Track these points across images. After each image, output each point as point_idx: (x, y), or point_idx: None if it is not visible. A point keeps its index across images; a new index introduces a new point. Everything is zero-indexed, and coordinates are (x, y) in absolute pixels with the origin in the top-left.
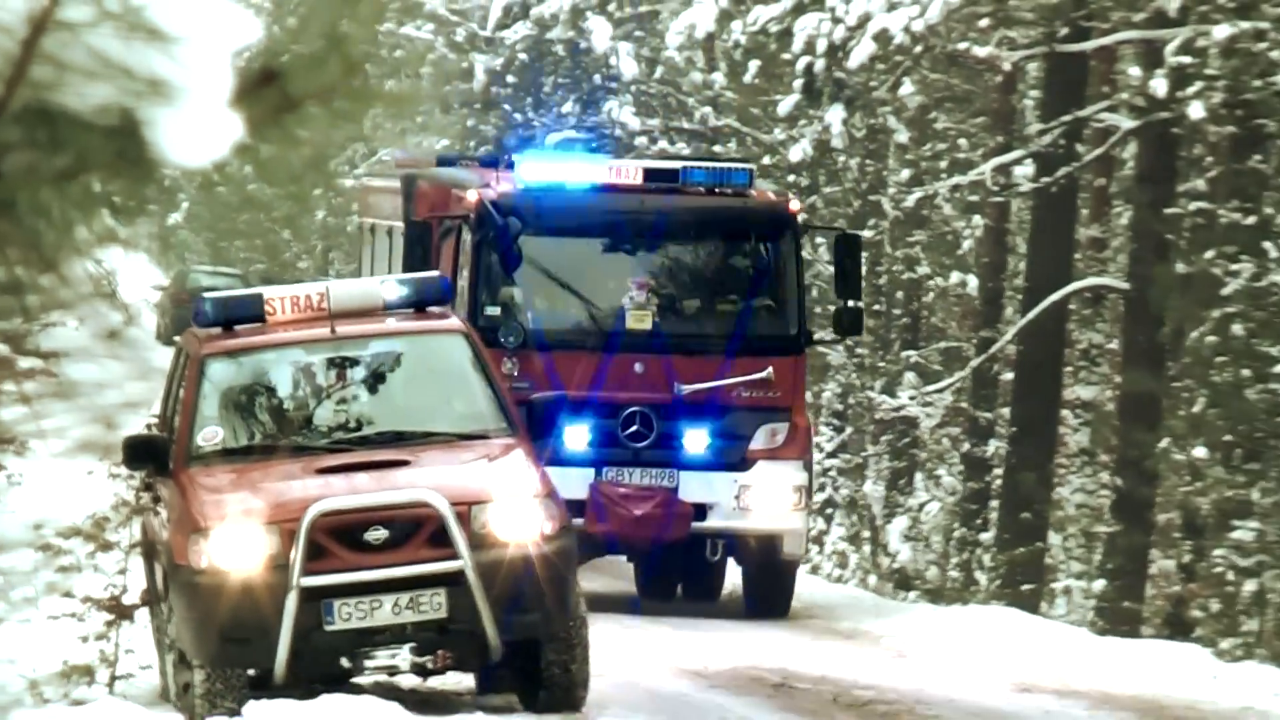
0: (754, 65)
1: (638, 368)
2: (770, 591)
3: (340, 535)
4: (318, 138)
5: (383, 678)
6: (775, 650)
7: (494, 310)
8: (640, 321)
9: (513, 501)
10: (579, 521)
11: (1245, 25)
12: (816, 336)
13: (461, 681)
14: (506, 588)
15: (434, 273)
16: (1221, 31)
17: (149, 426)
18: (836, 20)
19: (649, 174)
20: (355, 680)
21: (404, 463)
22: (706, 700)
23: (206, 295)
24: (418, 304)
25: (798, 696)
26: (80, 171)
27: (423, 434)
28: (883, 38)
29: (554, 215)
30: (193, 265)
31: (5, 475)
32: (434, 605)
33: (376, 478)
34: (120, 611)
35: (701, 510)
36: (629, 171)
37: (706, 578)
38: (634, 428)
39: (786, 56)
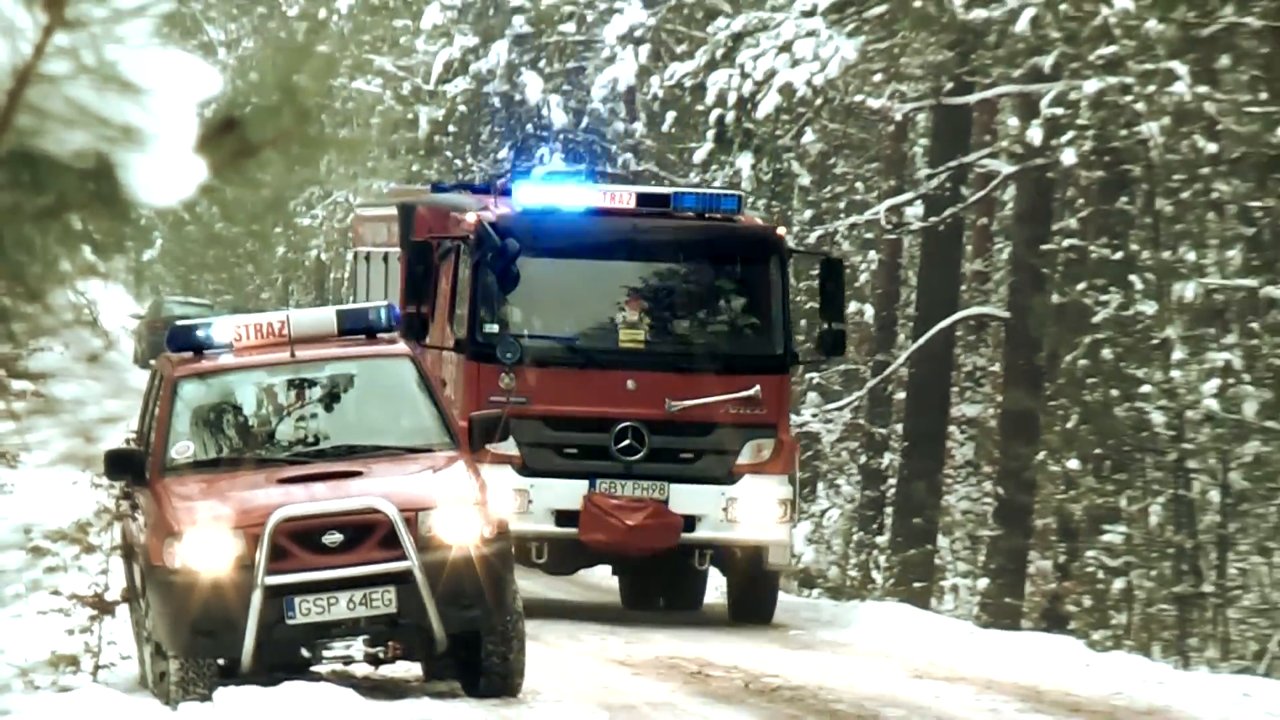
0: (671, 116)
1: (630, 384)
2: (754, 600)
3: (300, 538)
4: (276, 181)
5: (338, 666)
6: (694, 642)
7: (492, 328)
8: (633, 340)
9: (455, 508)
10: (573, 531)
11: (1112, 80)
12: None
13: (410, 670)
14: (450, 586)
15: (383, 302)
16: (1091, 86)
17: (127, 441)
18: (745, 75)
19: (641, 199)
20: (314, 669)
21: (357, 474)
22: (629, 685)
23: (180, 323)
24: (368, 330)
25: (712, 683)
26: (61, 211)
27: (373, 448)
28: (787, 91)
29: (550, 237)
30: (166, 296)
31: None
32: (385, 601)
33: (332, 487)
34: (103, 607)
35: (690, 521)
36: (622, 196)
37: (689, 587)
38: (626, 442)
39: (700, 108)
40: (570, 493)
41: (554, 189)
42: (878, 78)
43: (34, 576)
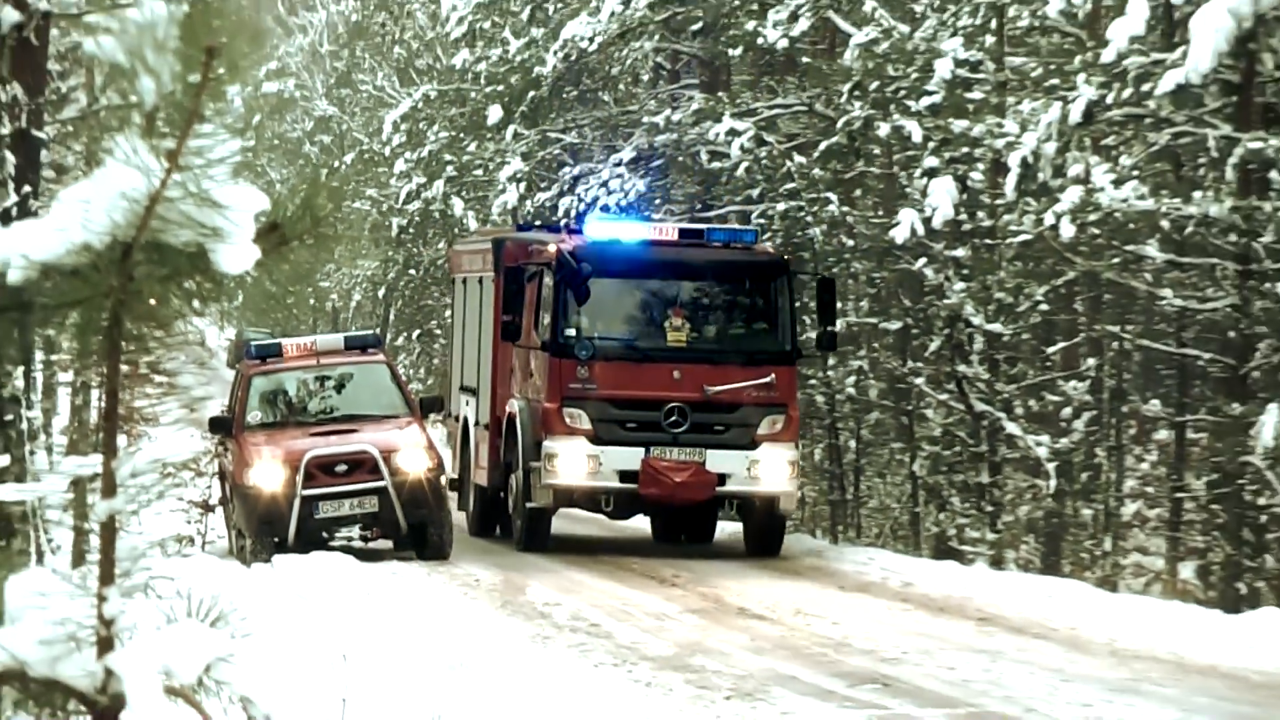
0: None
1: (676, 374)
2: (768, 538)
3: (321, 468)
4: (303, 261)
5: (344, 543)
6: (700, 569)
7: (570, 331)
8: (677, 340)
9: (411, 450)
10: (633, 486)
11: (793, 202)
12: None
13: (385, 544)
14: (409, 496)
15: (372, 331)
16: (781, 206)
17: (222, 411)
18: (580, 199)
19: (682, 233)
20: (330, 545)
21: (354, 431)
22: (527, 559)
23: (253, 342)
24: (362, 347)
25: (599, 562)
26: (177, 277)
27: (363, 416)
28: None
29: (613, 262)
30: (245, 326)
31: (143, 436)
32: (370, 505)
33: (340, 438)
34: (207, 508)
35: (722, 478)
36: (667, 231)
37: (704, 527)
38: (673, 418)
39: (554, 219)
40: (631, 457)
41: (614, 225)
42: (657, 201)
43: (165, 488)
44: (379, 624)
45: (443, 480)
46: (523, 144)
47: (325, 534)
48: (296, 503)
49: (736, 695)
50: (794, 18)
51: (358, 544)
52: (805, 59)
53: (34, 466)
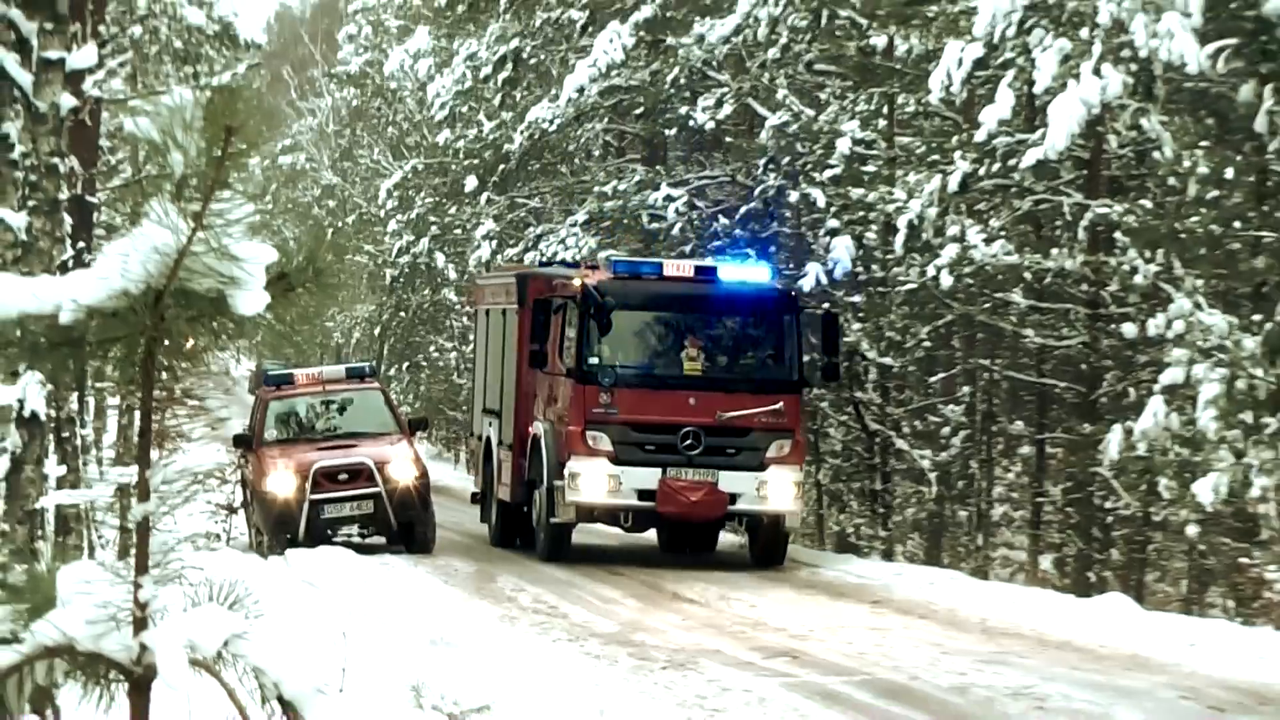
0: None
1: (691, 400)
2: (772, 551)
3: (326, 477)
4: (307, 305)
5: (344, 539)
6: (707, 579)
7: (594, 360)
8: (693, 369)
9: (400, 462)
10: (650, 504)
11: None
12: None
13: (379, 540)
14: (398, 500)
15: (369, 363)
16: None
17: (244, 429)
18: (543, 254)
19: (697, 269)
20: (334, 541)
21: (354, 446)
22: (503, 555)
23: (270, 372)
24: (359, 376)
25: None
26: (200, 317)
27: (360, 434)
28: (563, 263)
29: (633, 296)
30: (265, 358)
31: (177, 450)
32: (367, 507)
33: (342, 453)
34: (231, 510)
35: (733, 497)
36: (683, 268)
37: (709, 539)
38: (688, 441)
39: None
40: (649, 477)
41: (634, 262)
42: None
43: (195, 491)
44: (373, 606)
45: (427, 487)
46: (494, 208)
47: (330, 531)
48: (305, 506)
49: (671, 665)
50: (719, 104)
51: (356, 540)
52: (729, 138)
53: (86, 476)
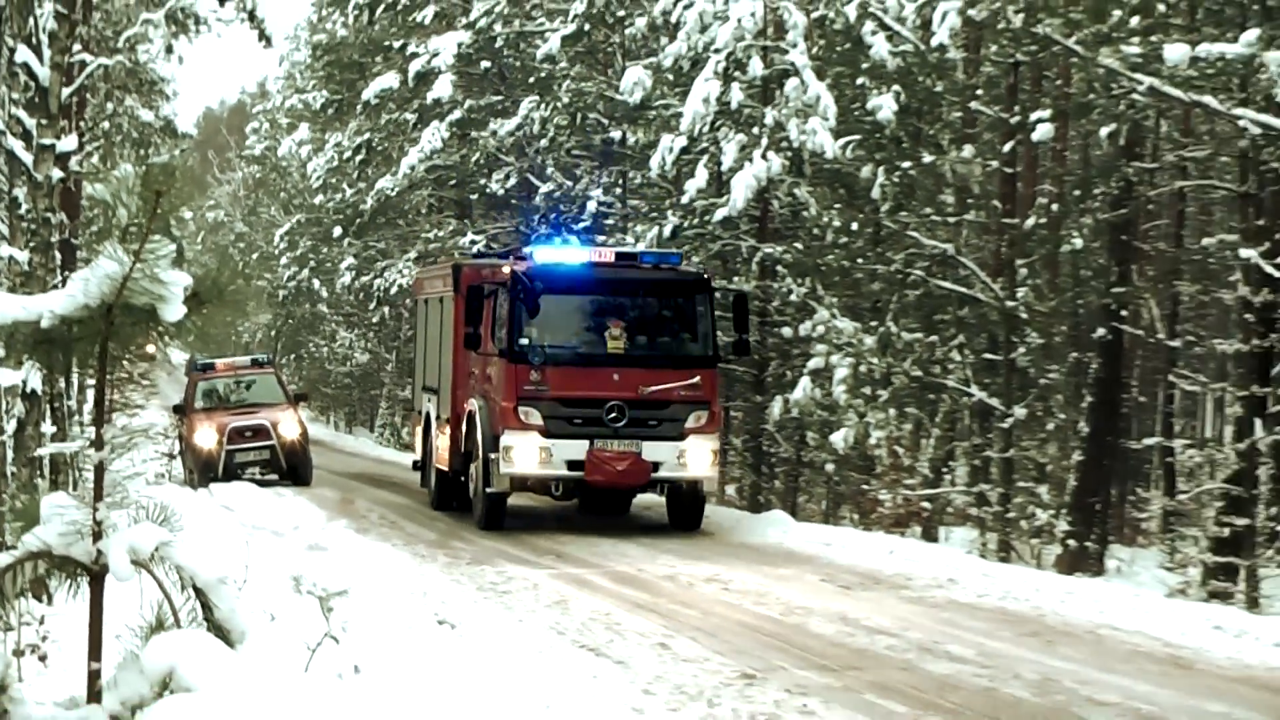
0: None
1: (615, 377)
2: (691, 515)
3: (237, 433)
4: (215, 317)
5: (250, 477)
6: (636, 540)
7: (524, 341)
8: (616, 348)
9: (288, 423)
10: (579, 474)
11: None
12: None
13: (273, 478)
14: (287, 450)
15: (266, 355)
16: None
17: (180, 400)
18: None
19: (618, 255)
20: (242, 478)
21: (256, 412)
22: (358, 486)
23: (198, 361)
24: (260, 364)
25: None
26: (139, 323)
27: (261, 404)
28: None
29: (560, 280)
30: (195, 352)
31: (133, 415)
32: (265, 455)
33: (248, 416)
34: (171, 456)
35: (655, 466)
36: (605, 254)
37: (623, 504)
38: (613, 414)
39: None
40: (577, 449)
41: (560, 250)
42: None
43: (137, 443)
44: (269, 523)
45: (307, 441)
46: (353, 249)
47: (239, 472)
48: (222, 454)
49: (473, 562)
50: (507, 177)
51: (258, 477)
52: (513, 200)
53: (70, 434)
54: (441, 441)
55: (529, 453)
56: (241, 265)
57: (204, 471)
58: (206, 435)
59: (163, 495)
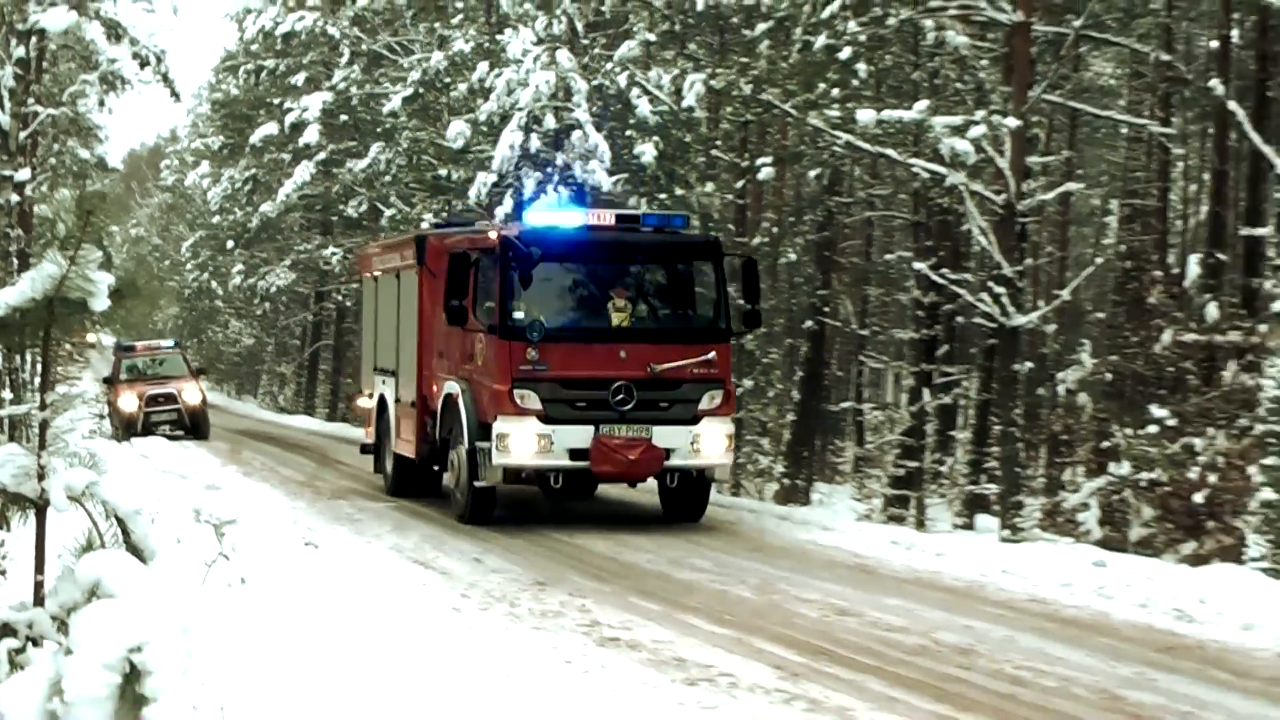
0: None
1: (622, 354)
2: (694, 503)
3: (152, 399)
4: (137, 310)
5: (163, 433)
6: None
7: (519, 314)
8: (622, 321)
9: (191, 391)
10: (584, 464)
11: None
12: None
13: (180, 433)
14: (190, 412)
15: (175, 339)
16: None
17: (110, 374)
18: None
19: (619, 218)
20: (156, 433)
21: (167, 382)
22: (239, 438)
23: (122, 343)
24: (172, 345)
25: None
26: (74, 313)
27: (170, 376)
28: None
29: (556, 245)
30: (120, 336)
31: (71, 385)
32: (173, 415)
33: (160, 386)
34: (102, 417)
35: (668, 453)
36: (604, 217)
37: (589, 488)
38: (620, 396)
39: None
40: (581, 435)
41: (555, 212)
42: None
43: (72, 405)
44: (176, 467)
45: (205, 405)
46: (242, 258)
47: (154, 429)
48: (141, 415)
49: (334, 496)
50: (360, 204)
51: (169, 433)
52: (365, 222)
53: (25, 399)
54: (405, 427)
55: (526, 441)
56: (155, 270)
57: (126, 428)
58: (129, 400)
59: (93, 446)
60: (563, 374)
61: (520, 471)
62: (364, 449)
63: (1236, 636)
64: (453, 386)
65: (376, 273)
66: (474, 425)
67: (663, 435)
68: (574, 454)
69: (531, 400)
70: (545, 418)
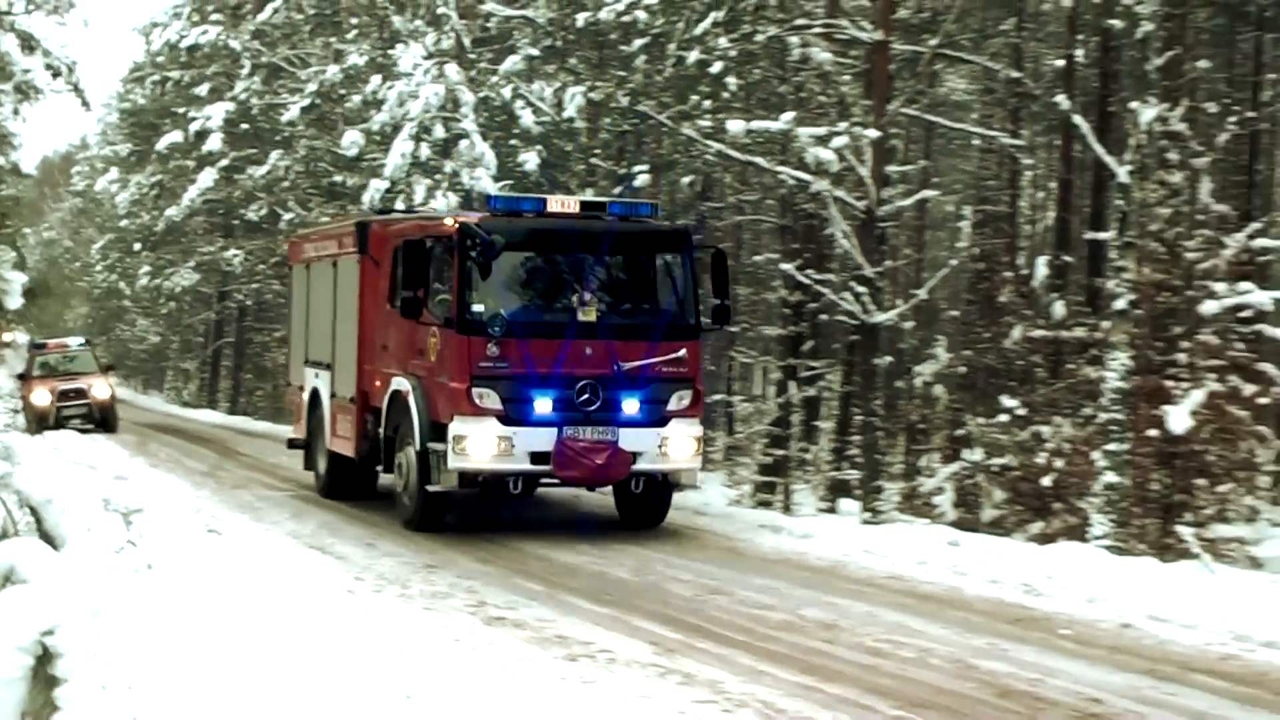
0: None
1: (587, 350)
2: (654, 508)
3: (64, 394)
4: (51, 309)
5: (74, 426)
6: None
7: (478, 308)
8: (588, 316)
9: (100, 386)
10: (546, 468)
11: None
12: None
13: (91, 427)
14: (99, 406)
15: (86, 337)
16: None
17: (24, 370)
18: None
19: (583, 205)
20: (67, 427)
21: (77, 378)
22: (152, 433)
23: (35, 340)
24: (82, 342)
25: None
26: None
27: (81, 372)
28: None
29: (519, 235)
30: (34, 334)
31: None
32: (83, 410)
33: (71, 381)
34: (15, 410)
35: (634, 456)
36: (568, 204)
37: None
38: (586, 395)
39: None
40: (544, 438)
41: (514, 198)
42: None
43: None
44: (87, 459)
45: (115, 400)
46: (148, 260)
47: (65, 423)
48: (53, 409)
49: (237, 486)
50: (260, 208)
51: (79, 427)
52: (264, 226)
53: None
54: (342, 424)
55: (485, 443)
56: (66, 271)
57: (39, 422)
58: (41, 395)
59: (7, 440)
60: (524, 371)
61: (477, 476)
62: (292, 444)
63: (1081, 609)
64: (401, 383)
65: (310, 260)
66: (426, 425)
67: (629, 438)
68: (535, 457)
69: (491, 400)
70: (505, 418)
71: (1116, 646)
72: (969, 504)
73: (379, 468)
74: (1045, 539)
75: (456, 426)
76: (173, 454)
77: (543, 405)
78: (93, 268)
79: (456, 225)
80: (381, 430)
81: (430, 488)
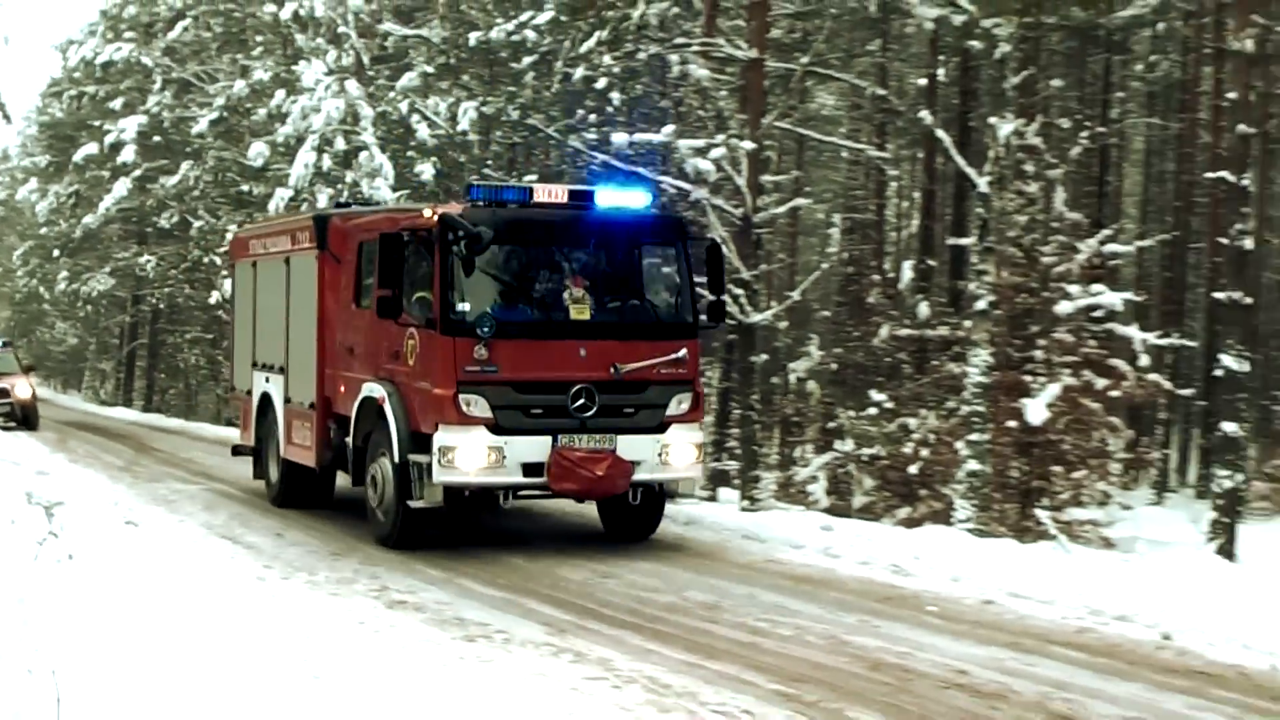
0: None
1: (581, 352)
2: (646, 519)
3: None
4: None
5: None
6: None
7: (463, 306)
8: (580, 313)
9: (22, 386)
10: (540, 480)
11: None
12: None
13: (14, 425)
14: (21, 406)
15: (7, 338)
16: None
17: None
18: None
19: (571, 194)
20: None
21: (3, 377)
22: (70, 430)
23: None
24: (6, 345)
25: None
26: None
27: (3, 373)
28: None
29: (505, 227)
30: None
31: None
32: (6, 409)
33: (3, 383)
34: None
35: (634, 465)
36: (556, 193)
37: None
38: (581, 401)
39: None
40: (538, 448)
41: (498, 187)
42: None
43: None
44: (12, 453)
45: (35, 400)
46: (66, 266)
47: None
48: None
49: (152, 480)
50: (172, 216)
51: (2, 424)
52: (175, 233)
53: None
54: (299, 431)
55: (475, 454)
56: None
57: None
58: None
59: None
60: (516, 376)
61: (464, 490)
62: (236, 450)
63: (946, 587)
64: (374, 389)
65: (257, 258)
66: (405, 436)
67: (627, 445)
68: (528, 469)
69: (480, 407)
70: (495, 427)
71: (980, 621)
72: (841, 491)
73: (352, 478)
74: (912, 523)
75: (442, 437)
76: (91, 450)
77: (535, 412)
78: (14, 273)
79: (437, 217)
80: (350, 439)
81: (412, 503)
